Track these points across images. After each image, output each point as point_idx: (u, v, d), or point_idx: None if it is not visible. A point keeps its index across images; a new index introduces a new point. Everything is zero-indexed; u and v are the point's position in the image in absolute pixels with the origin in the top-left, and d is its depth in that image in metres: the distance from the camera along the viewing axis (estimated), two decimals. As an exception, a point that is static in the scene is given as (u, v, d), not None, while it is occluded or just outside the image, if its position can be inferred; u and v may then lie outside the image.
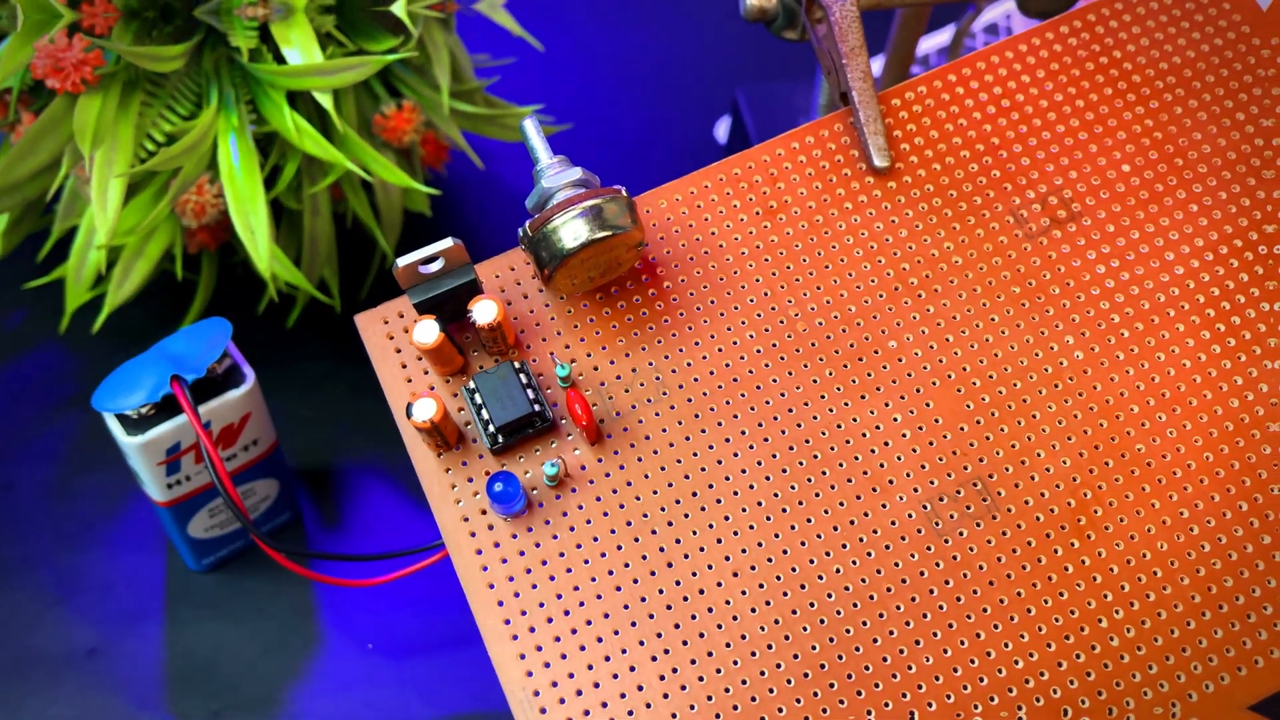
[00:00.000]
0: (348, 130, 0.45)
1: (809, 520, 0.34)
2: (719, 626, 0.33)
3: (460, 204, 0.57)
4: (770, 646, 0.33)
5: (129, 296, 0.46)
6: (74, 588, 0.47)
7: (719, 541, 0.34)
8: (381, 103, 0.48)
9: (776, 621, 0.33)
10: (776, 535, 0.34)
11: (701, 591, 0.33)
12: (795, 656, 0.33)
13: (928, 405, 0.35)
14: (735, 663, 0.33)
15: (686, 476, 0.34)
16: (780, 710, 0.32)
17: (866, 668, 0.33)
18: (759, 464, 0.34)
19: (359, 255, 0.54)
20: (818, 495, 0.34)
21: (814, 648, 0.33)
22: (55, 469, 0.50)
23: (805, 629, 0.33)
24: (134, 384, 0.40)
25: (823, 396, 0.35)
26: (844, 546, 0.34)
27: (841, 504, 0.34)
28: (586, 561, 0.34)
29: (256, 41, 0.43)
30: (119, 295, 0.46)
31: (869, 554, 0.34)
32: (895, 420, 0.35)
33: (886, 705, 0.32)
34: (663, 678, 0.32)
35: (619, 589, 0.33)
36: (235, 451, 0.43)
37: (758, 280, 0.36)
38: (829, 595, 0.33)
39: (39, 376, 0.52)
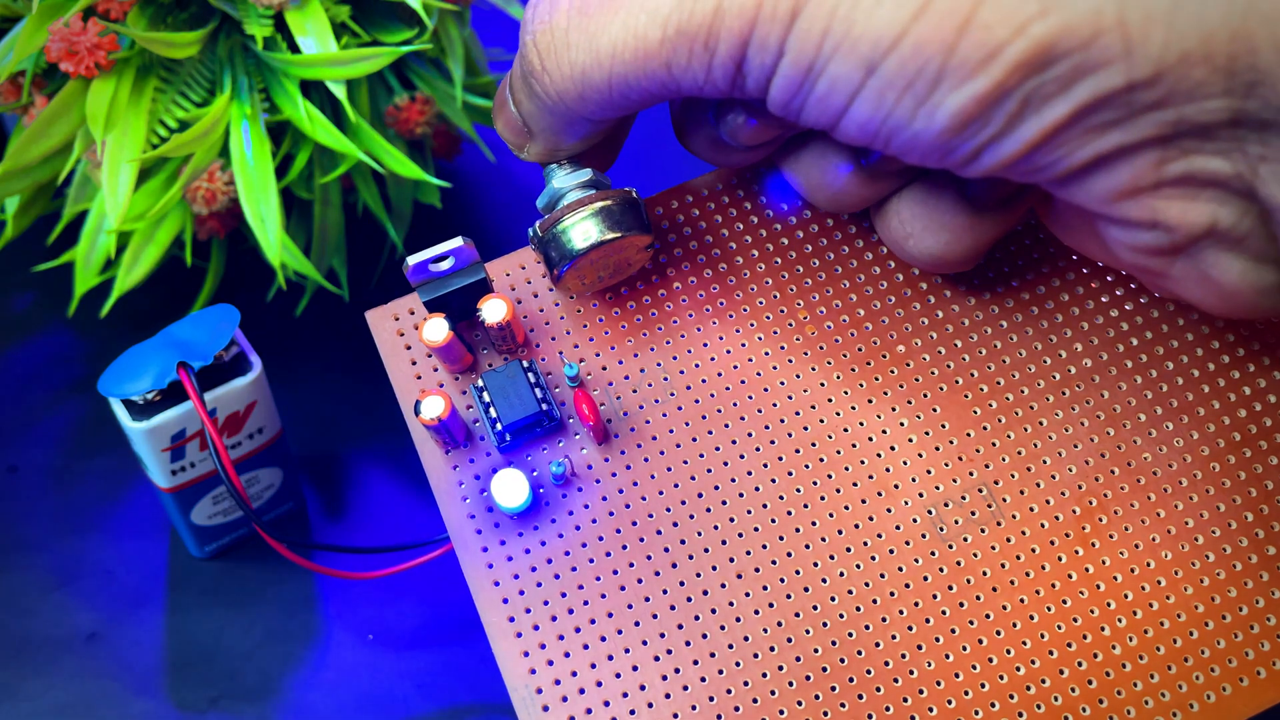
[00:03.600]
0: (360, 121, 0.45)
1: (814, 523, 0.34)
2: (722, 627, 0.33)
3: (471, 197, 0.57)
4: (773, 648, 0.33)
5: (138, 281, 0.46)
6: (75, 572, 0.47)
7: (724, 543, 0.34)
8: (394, 94, 0.48)
9: (780, 623, 0.33)
10: (781, 538, 0.34)
11: (705, 592, 0.33)
12: (798, 658, 0.33)
13: (935, 410, 0.35)
14: (738, 663, 0.33)
15: (693, 478, 0.34)
16: (782, 712, 0.32)
17: (869, 670, 0.33)
18: (765, 466, 0.35)
19: (369, 245, 0.54)
20: (823, 498, 0.34)
21: (817, 650, 0.33)
22: (59, 453, 0.50)
23: (808, 631, 0.33)
24: (140, 369, 0.40)
25: (830, 400, 0.35)
26: (848, 550, 0.34)
27: (847, 507, 0.34)
28: (591, 560, 0.34)
29: (271, 30, 0.43)
30: (128, 280, 0.46)
31: (873, 557, 0.34)
32: (902, 425, 0.35)
33: (888, 709, 0.32)
34: (665, 677, 0.32)
35: (623, 588, 0.33)
36: (240, 439, 0.43)
37: (767, 283, 0.36)
38: (833, 598, 0.33)
39: (46, 360, 0.52)
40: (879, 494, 0.34)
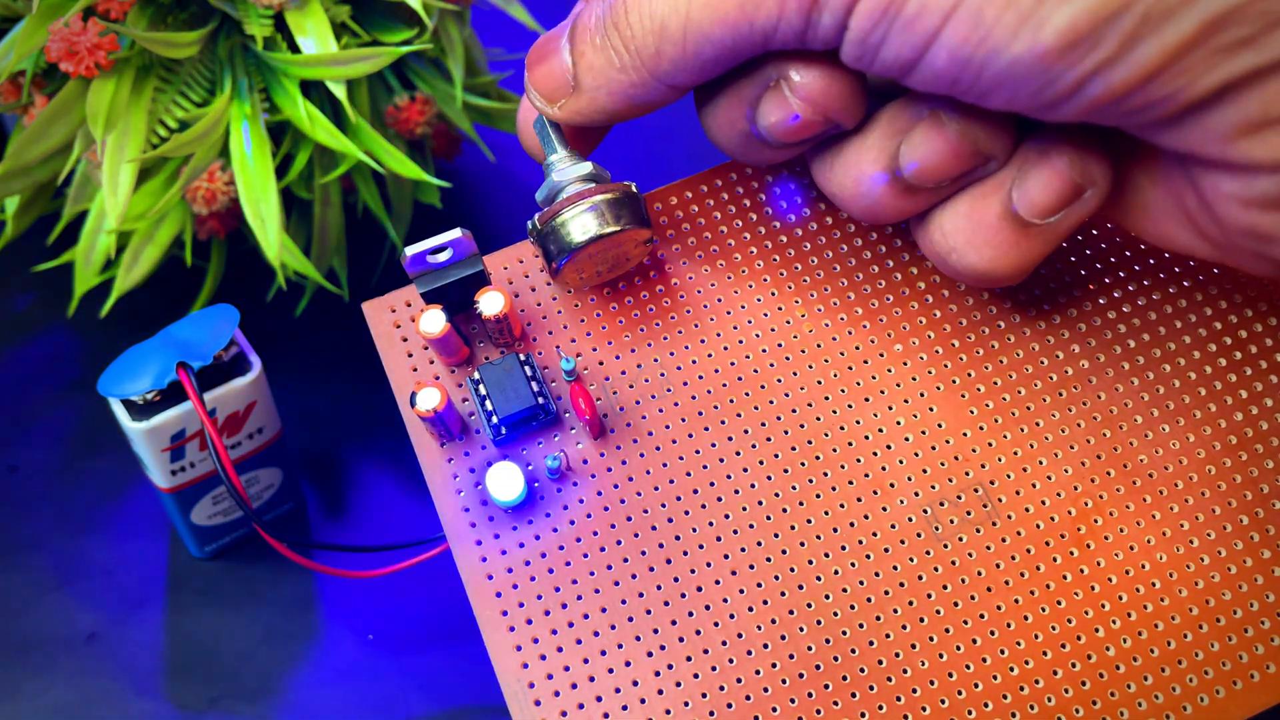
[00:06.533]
0: (360, 121, 0.45)
1: (809, 521, 0.34)
2: (715, 624, 0.33)
3: (471, 197, 0.57)
4: (766, 646, 0.33)
5: (138, 281, 0.46)
6: (75, 572, 0.47)
7: (718, 540, 0.34)
8: (394, 94, 0.48)
9: (773, 621, 0.33)
10: (776, 535, 0.34)
11: (699, 589, 0.33)
12: (791, 656, 0.33)
13: (931, 410, 0.35)
14: (730, 661, 0.33)
15: (688, 474, 0.34)
16: (774, 710, 0.32)
17: (862, 670, 0.33)
18: (761, 463, 0.34)
19: (369, 245, 0.54)
20: (818, 496, 0.34)
21: (810, 648, 0.33)
22: (59, 452, 0.50)
23: (802, 629, 0.33)
24: (140, 369, 0.40)
25: (826, 398, 0.35)
26: (843, 548, 0.34)
27: (842, 505, 0.34)
28: (585, 555, 0.34)
29: (271, 30, 0.43)
30: (128, 280, 0.46)
31: (868, 556, 0.34)
32: (899, 424, 0.35)
33: (881, 708, 0.32)
34: (658, 674, 0.32)
35: (617, 584, 0.33)
36: (240, 439, 0.43)
37: (765, 280, 0.36)
38: (826, 596, 0.33)
39: (46, 359, 0.52)
40: (874, 493, 0.34)
